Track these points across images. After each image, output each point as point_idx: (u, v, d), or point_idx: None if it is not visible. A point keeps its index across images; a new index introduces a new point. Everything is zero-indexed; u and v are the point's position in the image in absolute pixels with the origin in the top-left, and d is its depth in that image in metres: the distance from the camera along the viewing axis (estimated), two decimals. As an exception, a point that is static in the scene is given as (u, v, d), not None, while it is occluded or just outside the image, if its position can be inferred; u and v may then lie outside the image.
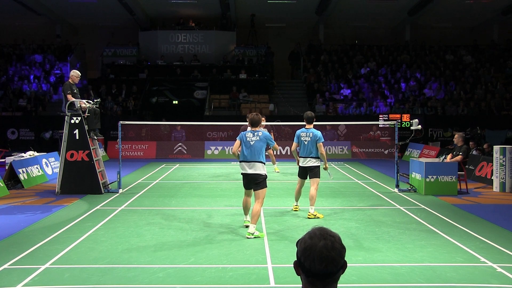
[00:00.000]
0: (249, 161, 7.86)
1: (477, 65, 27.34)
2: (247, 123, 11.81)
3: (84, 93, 20.82)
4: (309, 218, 9.11)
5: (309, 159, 9.20)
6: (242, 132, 8.17)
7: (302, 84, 27.57)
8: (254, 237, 7.65)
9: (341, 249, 2.20)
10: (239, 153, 8.09)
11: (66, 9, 28.03)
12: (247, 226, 8.14)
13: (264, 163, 7.95)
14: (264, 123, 15.03)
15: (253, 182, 7.89)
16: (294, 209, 9.82)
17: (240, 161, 8.00)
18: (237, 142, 8.09)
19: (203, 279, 5.89)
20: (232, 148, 8.37)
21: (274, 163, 15.73)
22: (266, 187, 7.99)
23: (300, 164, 9.38)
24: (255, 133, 7.94)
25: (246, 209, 8.37)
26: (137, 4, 27.27)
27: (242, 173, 8.02)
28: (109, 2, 26.21)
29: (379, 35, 31.11)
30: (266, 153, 8.81)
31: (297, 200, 9.86)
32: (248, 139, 7.92)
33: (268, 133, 8.20)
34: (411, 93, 25.04)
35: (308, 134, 9.25)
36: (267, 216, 9.31)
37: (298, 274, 2.25)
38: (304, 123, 9.50)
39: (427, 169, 11.74)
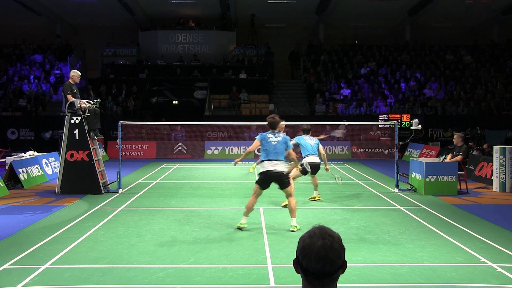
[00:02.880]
0: (273, 160, 8.01)
1: (477, 65, 27.34)
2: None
3: (84, 93, 20.82)
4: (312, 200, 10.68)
5: (317, 157, 10.55)
6: (262, 133, 8.32)
7: (302, 84, 27.57)
8: (297, 230, 7.96)
9: (340, 250, 2.18)
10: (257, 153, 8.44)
11: (66, 9, 28.04)
12: (240, 229, 8.10)
13: (284, 163, 8.24)
14: (283, 123, 15.12)
15: (278, 181, 8.04)
16: (317, 199, 10.88)
17: (262, 161, 8.15)
18: (257, 142, 8.31)
19: (203, 279, 5.88)
20: (248, 147, 8.61)
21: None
22: (291, 182, 8.32)
23: (310, 162, 10.37)
24: (276, 135, 8.19)
25: (249, 210, 8.24)
26: (137, 4, 27.27)
27: (262, 171, 8.07)
28: (109, 2, 26.22)
29: (379, 35, 31.10)
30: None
31: (316, 189, 10.97)
32: (269, 139, 8.13)
33: (287, 137, 8.43)
34: (411, 93, 25.04)
35: (311, 138, 10.76)
36: (267, 216, 9.31)
37: (297, 272, 2.24)
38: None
39: (427, 169, 11.73)
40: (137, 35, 29.61)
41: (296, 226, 8.08)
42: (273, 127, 8.25)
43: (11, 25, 30.04)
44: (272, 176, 8.02)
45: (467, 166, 14.10)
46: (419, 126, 12.73)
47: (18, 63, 26.96)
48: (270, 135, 8.16)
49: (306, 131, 10.94)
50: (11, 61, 27.14)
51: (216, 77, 26.43)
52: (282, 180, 8.03)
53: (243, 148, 21.24)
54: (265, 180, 8.11)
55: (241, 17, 29.42)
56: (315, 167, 10.53)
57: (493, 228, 8.41)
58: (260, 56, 28.40)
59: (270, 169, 7.98)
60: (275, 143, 8.06)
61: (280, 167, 8.01)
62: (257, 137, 8.35)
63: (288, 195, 8.19)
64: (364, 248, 7.15)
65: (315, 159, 10.48)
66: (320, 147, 10.78)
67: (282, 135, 8.28)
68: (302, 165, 10.07)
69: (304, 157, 10.47)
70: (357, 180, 14.26)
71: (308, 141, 10.62)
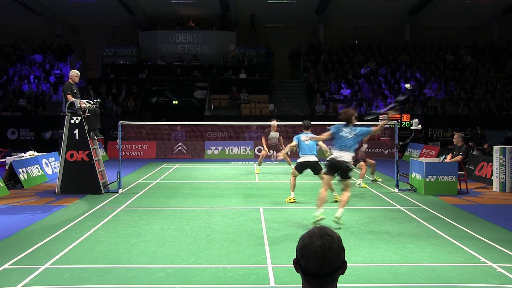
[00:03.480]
0: (341, 150, 8.21)
1: (477, 65, 27.33)
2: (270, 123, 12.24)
3: (84, 93, 20.81)
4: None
5: (313, 156, 10.27)
6: (336, 125, 8.52)
7: (302, 84, 27.57)
8: (339, 223, 8.15)
9: (339, 250, 2.17)
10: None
11: (66, 9, 28.04)
12: (319, 220, 8.17)
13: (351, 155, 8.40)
14: (275, 123, 15.17)
15: (341, 171, 8.23)
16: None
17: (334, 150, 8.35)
18: (328, 133, 8.52)
19: (203, 279, 5.88)
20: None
21: (260, 163, 15.64)
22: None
23: (302, 161, 10.27)
24: (350, 129, 8.36)
25: (323, 201, 8.36)
26: (137, 4, 27.27)
27: (329, 159, 8.28)
28: (109, 2, 26.22)
29: (379, 35, 31.10)
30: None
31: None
32: (342, 132, 8.30)
33: (363, 129, 8.46)
34: (411, 93, 25.02)
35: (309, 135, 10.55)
36: (267, 216, 9.31)
37: (297, 272, 2.24)
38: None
39: (427, 169, 11.73)
40: (137, 35, 29.61)
41: (338, 218, 8.17)
42: (346, 120, 8.38)
43: (11, 25, 30.02)
44: (337, 164, 8.20)
45: (467, 166, 14.10)
46: (419, 126, 12.73)
47: (18, 63, 26.95)
48: (343, 129, 8.34)
49: (305, 127, 10.77)
50: (11, 61, 27.12)
51: (216, 77, 26.42)
52: (344, 171, 8.24)
53: (243, 148, 21.25)
54: (331, 167, 8.30)
55: (241, 17, 29.41)
56: (310, 166, 10.27)
57: (493, 228, 8.40)
58: (260, 56, 28.40)
59: (337, 156, 8.18)
60: (347, 137, 8.22)
61: (347, 157, 8.18)
62: (330, 128, 8.52)
63: (345, 189, 8.34)
64: (364, 248, 7.15)
65: (310, 158, 10.20)
66: (320, 142, 10.60)
67: (358, 129, 8.36)
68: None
69: (300, 157, 10.31)
70: (357, 180, 14.23)
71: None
